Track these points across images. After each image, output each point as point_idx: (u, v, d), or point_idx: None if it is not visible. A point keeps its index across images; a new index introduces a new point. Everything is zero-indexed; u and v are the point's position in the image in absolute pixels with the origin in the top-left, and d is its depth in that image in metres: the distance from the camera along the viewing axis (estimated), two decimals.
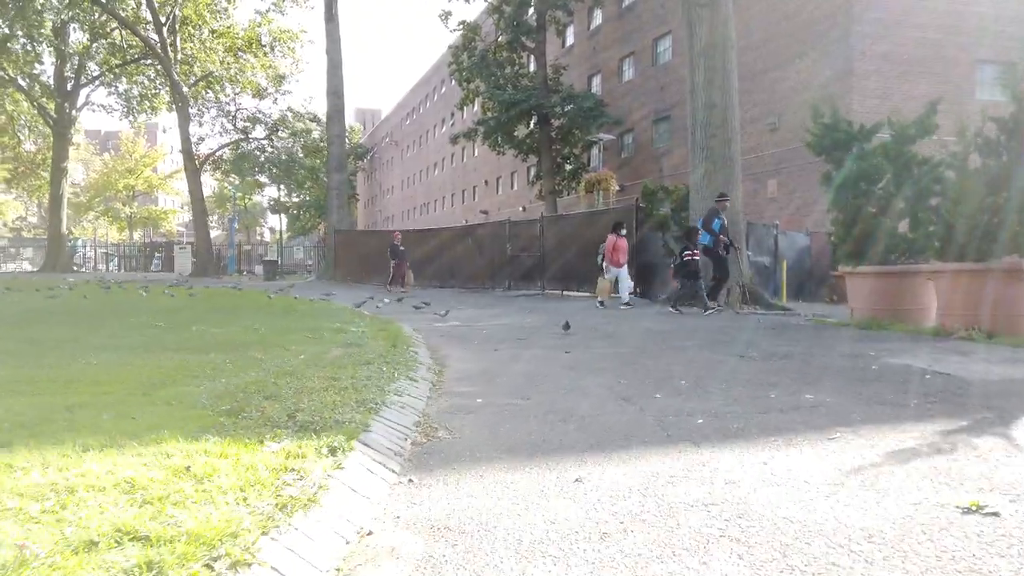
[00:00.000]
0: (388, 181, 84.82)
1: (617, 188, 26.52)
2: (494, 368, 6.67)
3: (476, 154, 53.55)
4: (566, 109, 31.33)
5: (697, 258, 12.43)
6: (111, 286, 21.64)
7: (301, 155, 36.83)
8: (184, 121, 32.01)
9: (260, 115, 35.94)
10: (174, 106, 32.52)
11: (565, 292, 18.62)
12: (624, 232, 14.59)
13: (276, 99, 36.50)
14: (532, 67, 36.23)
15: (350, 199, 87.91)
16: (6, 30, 30.62)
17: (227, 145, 36.24)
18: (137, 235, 77.32)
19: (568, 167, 34.51)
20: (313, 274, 32.79)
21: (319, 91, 30.05)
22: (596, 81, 36.75)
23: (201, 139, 36.46)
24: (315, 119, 34.75)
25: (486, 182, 52.22)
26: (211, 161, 36.13)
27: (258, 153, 35.80)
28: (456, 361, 7.23)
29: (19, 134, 40.40)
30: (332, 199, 28.80)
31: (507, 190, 48.40)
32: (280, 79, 35.20)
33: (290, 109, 36.17)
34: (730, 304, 13.52)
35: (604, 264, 14.65)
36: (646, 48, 32.63)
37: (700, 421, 4.26)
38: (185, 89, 32.20)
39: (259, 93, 35.54)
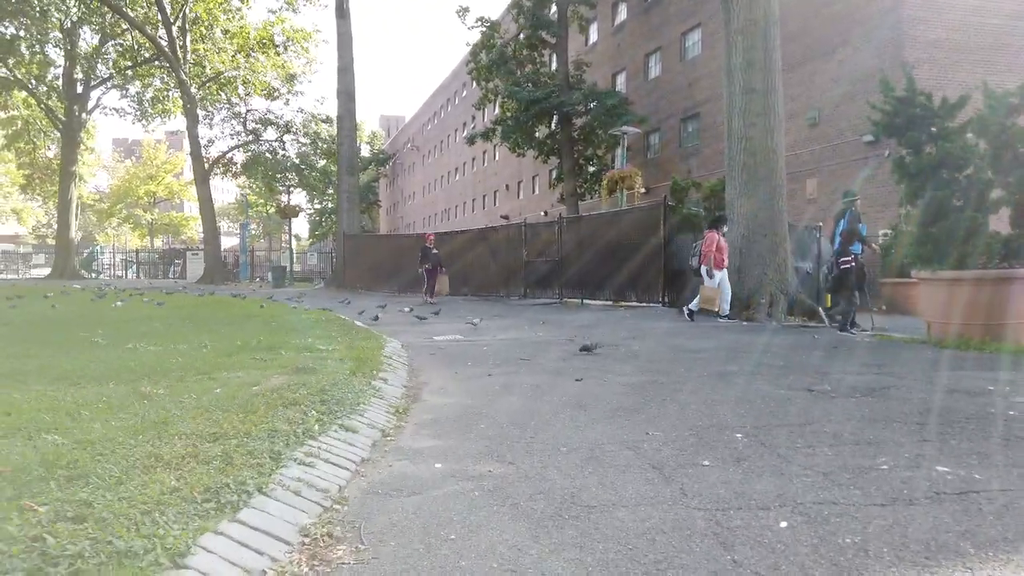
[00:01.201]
0: (410, 187, 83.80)
1: (643, 190, 24.69)
2: (478, 405, 5.01)
3: (497, 157, 52.10)
4: (589, 107, 29.64)
5: (853, 265, 9.92)
6: (107, 293, 20.43)
7: (314, 158, 35.55)
8: (192, 123, 30.84)
9: (271, 115, 34.71)
10: (183, 107, 31.44)
11: (585, 300, 16.92)
12: (726, 229, 12.09)
13: (288, 100, 35.31)
14: (553, 66, 34.67)
15: (371, 205, 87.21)
16: (12, 30, 29.85)
17: (236, 147, 35.09)
18: (159, 241, 77.13)
19: (591, 168, 32.83)
20: (323, 281, 31.42)
21: (331, 93, 28.95)
22: (620, 79, 35.01)
23: (211, 141, 35.46)
24: (327, 120, 33.41)
25: (507, 186, 50.69)
26: (221, 164, 34.96)
27: (269, 156, 34.54)
28: (433, 393, 5.59)
29: (34, 140, 39.76)
30: (343, 202, 27.35)
31: (528, 194, 46.81)
32: (291, 78, 33.91)
33: (301, 110, 34.95)
34: (773, 316, 11.71)
35: (702, 267, 11.95)
36: (673, 43, 30.84)
37: (783, 525, 2.56)
38: (194, 89, 31.05)
39: (270, 94, 34.33)
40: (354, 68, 27.35)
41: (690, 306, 11.94)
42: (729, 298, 11.74)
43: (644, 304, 14.81)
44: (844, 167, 21.84)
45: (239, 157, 35.85)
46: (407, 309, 13.47)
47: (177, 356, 6.57)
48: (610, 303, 16.10)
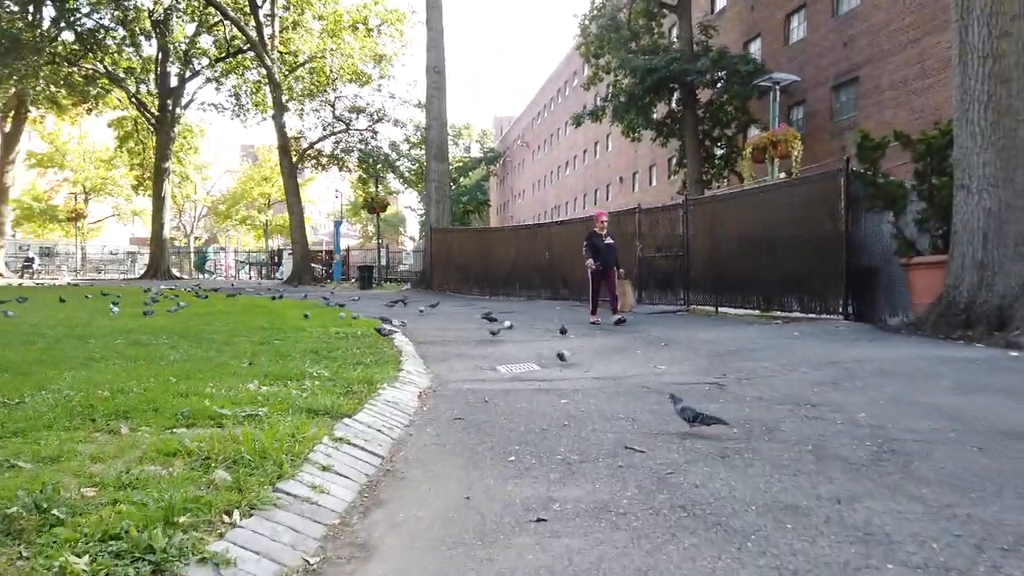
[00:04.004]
0: (519, 185, 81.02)
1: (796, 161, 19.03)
2: None
3: (609, 148, 47.97)
4: (717, 77, 24.99)
5: None
6: (158, 298, 18.30)
7: (406, 147, 32.89)
8: (279, 111, 28.78)
9: (360, 100, 32.25)
10: (271, 96, 29.53)
11: (720, 308, 12.69)
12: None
13: (379, 85, 32.67)
14: (674, 36, 30.22)
15: (481, 205, 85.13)
16: (103, 23, 29.13)
17: (325, 137, 32.88)
18: (274, 242, 78.44)
19: (718, 151, 28.07)
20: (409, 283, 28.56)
21: (424, 79, 25.99)
22: (755, 47, 29.94)
23: (300, 133, 33.46)
24: (419, 105, 30.54)
25: (620, 179, 46.36)
26: (310, 156, 32.87)
27: (361, 147, 32.14)
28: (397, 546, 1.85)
29: (143, 139, 39.64)
30: (431, 192, 24.20)
31: (644, 186, 42.29)
32: (380, 58, 31.21)
33: (393, 96, 32.28)
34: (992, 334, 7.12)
35: None
36: None
37: None
38: (280, 78, 28.99)
39: (359, 78, 31.82)
40: (444, 41, 24.20)
41: None
42: None
43: (814, 315, 10.41)
44: None
45: (327, 148, 33.65)
46: (507, 324, 9.91)
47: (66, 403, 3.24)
48: (756, 312, 11.79)
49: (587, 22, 29.22)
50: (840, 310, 9.91)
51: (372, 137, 32.49)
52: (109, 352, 6.63)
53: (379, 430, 3.77)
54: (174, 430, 3.40)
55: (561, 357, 6.71)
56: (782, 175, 17.32)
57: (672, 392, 4.38)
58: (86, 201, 55.34)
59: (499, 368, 6.74)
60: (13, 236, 56.31)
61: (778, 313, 11.29)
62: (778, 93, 16.35)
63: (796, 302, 10.83)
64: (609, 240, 11.19)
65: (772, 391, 5.07)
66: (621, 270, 11.83)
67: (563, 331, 9.22)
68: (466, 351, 7.96)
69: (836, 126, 25.11)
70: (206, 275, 52.91)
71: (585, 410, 4.55)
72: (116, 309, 10.89)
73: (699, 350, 7.46)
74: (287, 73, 31.07)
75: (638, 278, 15.14)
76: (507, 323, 10.35)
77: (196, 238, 79.73)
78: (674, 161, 30.28)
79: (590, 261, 10.95)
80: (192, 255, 58.65)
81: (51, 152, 52.33)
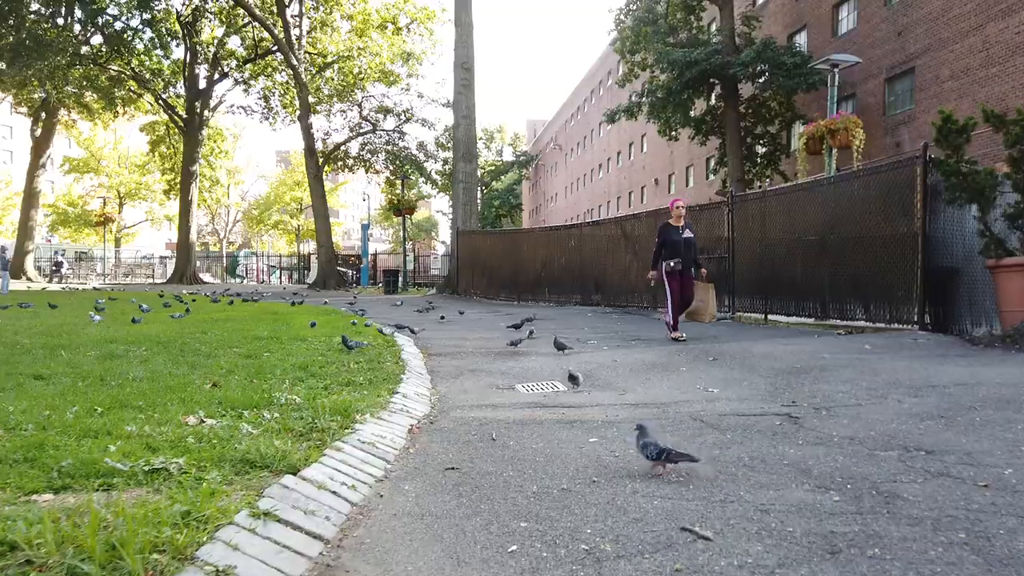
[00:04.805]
0: (552, 189, 79.86)
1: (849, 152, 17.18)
2: None
3: (644, 149, 46.64)
4: (761, 70, 23.58)
5: None
6: (171, 302, 17.67)
7: (435, 148, 31.95)
8: (304, 112, 28.07)
9: (387, 99, 31.33)
10: (297, 95, 28.85)
11: (770, 316, 11.44)
12: None
13: (407, 85, 31.76)
14: (712, 31, 28.84)
15: (514, 209, 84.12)
16: (130, 24, 28.85)
17: (352, 138, 32.06)
18: (307, 247, 78.49)
19: (761, 149, 26.65)
20: (433, 287, 27.60)
21: (450, 75, 24.99)
22: (800, 40, 28.43)
23: (327, 134, 32.77)
24: (448, 104, 29.59)
25: (655, 181, 44.95)
26: (335, 158, 32.10)
27: (388, 148, 31.29)
28: None
29: (175, 144, 39.49)
30: (458, 193, 23.19)
31: (680, 188, 40.83)
32: (408, 56, 30.32)
33: (421, 95, 31.35)
34: None
35: None
36: None
37: None
38: (305, 77, 28.27)
39: (387, 77, 30.98)
40: (473, 36, 23.25)
41: None
42: None
43: (881, 324, 9.11)
44: None
45: (354, 149, 32.83)
46: (529, 333, 8.89)
47: None
48: (811, 320, 10.52)
49: (622, 16, 28.06)
50: (915, 319, 8.60)
51: (400, 138, 31.65)
52: (67, 367, 5.72)
53: (334, 491, 2.72)
54: (33, 496, 2.40)
55: (574, 380, 5.57)
56: (855, 165, 15.88)
57: (737, 432, 3.25)
58: (120, 206, 55.76)
59: (518, 387, 5.68)
60: (49, 241, 57.05)
61: (837, 322, 10.00)
62: (836, 76, 14.71)
63: (860, 309, 9.53)
64: (688, 233, 8.89)
65: (865, 428, 3.90)
66: (703, 270, 9.40)
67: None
68: (482, 365, 6.91)
69: (890, 121, 23.51)
70: (237, 279, 52.75)
71: (621, 456, 3.45)
72: (97, 317, 10.05)
73: (756, 367, 6.29)
74: (314, 73, 30.42)
75: None
76: (528, 331, 9.29)
77: (231, 243, 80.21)
78: (713, 160, 28.88)
79: (657, 270, 8.92)
80: (224, 259, 58.68)
81: (87, 158, 52.80)
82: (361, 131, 31.96)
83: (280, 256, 60.35)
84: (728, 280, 12.36)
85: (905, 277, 8.74)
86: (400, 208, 28.91)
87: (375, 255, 35.50)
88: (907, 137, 22.49)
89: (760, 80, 24.21)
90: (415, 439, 3.85)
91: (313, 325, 9.90)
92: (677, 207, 9.14)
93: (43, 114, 32.78)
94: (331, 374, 5.66)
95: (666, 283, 8.87)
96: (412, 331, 9.40)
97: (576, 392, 5.42)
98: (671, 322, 8.92)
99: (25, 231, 34.29)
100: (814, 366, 6.21)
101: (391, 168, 31.72)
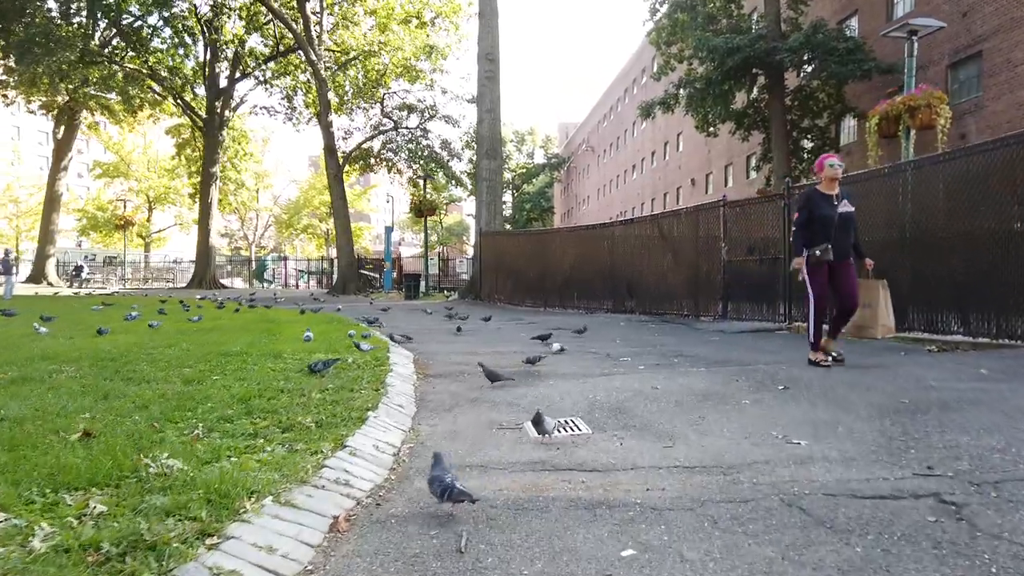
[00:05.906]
0: (584, 191, 78.20)
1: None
2: None
3: (680, 148, 44.78)
4: (809, 57, 21.75)
5: None
6: (201, 305, 16.59)
7: (460, 147, 30.69)
8: (324, 109, 26.92)
9: (409, 94, 30.14)
10: (316, 92, 27.75)
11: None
12: None
13: (431, 81, 30.49)
14: (754, 20, 27.04)
15: (545, 212, 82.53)
16: (148, 21, 28.11)
17: (373, 136, 30.86)
18: (335, 252, 77.95)
19: (808, 143, 24.77)
20: (456, 292, 26.18)
21: (475, 69, 23.63)
22: (852, 25, 26.46)
23: (348, 133, 31.68)
24: (472, 100, 28.28)
25: (692, 181, 43.03)
26: (356, 158, 30.92)
27: (411, 147, 30.08)
28: None
29: (200, 146, 38.87)
30: (481, 191, 21.77)
31: (719, 188, 38.88)
32: (431, 49, 29.03)
33: (445, 91, 30.09)
34: None
35: None
36: None
37: None
38: (325, 73, 27.13)
39: (409, 73, 29.76)
40: (498, 25, 21.85)
41: None
42: None
43: (986, 339, 7.39)
44: None
45: (376, 147, 31.63)
46: (557, 347, 7.49)
47: None
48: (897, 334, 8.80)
49: (658, 4, 26.41)
50: None
51: (423, 136, 30.40)
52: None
53: None
54: None
55: (538, 425, 3.99)
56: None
57: (813, 509, 1.73)
58: (150, 210, 55.64)
59: (527, 427, 4.19)
60: (79, 245, 57.15)
61: (923, 335, 8.29)
62: (915, 46, 12.52)
63: (956, 320, 7.82)
64: (847, 207, 6.25)
65: None
66: (869, 260, 6.54)
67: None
68: (487, 392, 5.44)
69: (954, 111, 21.39)
70: (264, 284, 52.13)
71: None
72: (43, 329, 8.84)
73: (846, 401, 4.70)
74: (336, 70, 29.34)
75: (723, 287, 12.31)
76: (556, 346, 7.82)
77: (262, 247, 79.98)
78: (755, 157, 27.03)
79: (802, 259, 6.30)
80: (252, 264, 58.25)
81: (116, 162, 52.77)
82: (383, 129, 30.79)
83: (308, 260, 59.71)
84: (784, 284, 10.70)
85: (1020, 281, 7.01)
86: (422, 209, 27.64)
87: (398, 258, 34.28)
88: (974, 127, 20.47)
89: (808, 68, 22.39)
90: (331, 551, 2.37)
91: (308, 340, 8.44)
92: (830, 164, 6.33)
93: (65, 118, 32.29)
94: (279, 408, 4.27)
95: (807, 281, 6.33)
96: (407, 337, 8.01)
97: (603, 434, 3.91)
98: (812, 337, 6.45)
99: (47, 235, 33.85)
100: (929, 401, 4.60)
101: (413, 168, 30.51)
